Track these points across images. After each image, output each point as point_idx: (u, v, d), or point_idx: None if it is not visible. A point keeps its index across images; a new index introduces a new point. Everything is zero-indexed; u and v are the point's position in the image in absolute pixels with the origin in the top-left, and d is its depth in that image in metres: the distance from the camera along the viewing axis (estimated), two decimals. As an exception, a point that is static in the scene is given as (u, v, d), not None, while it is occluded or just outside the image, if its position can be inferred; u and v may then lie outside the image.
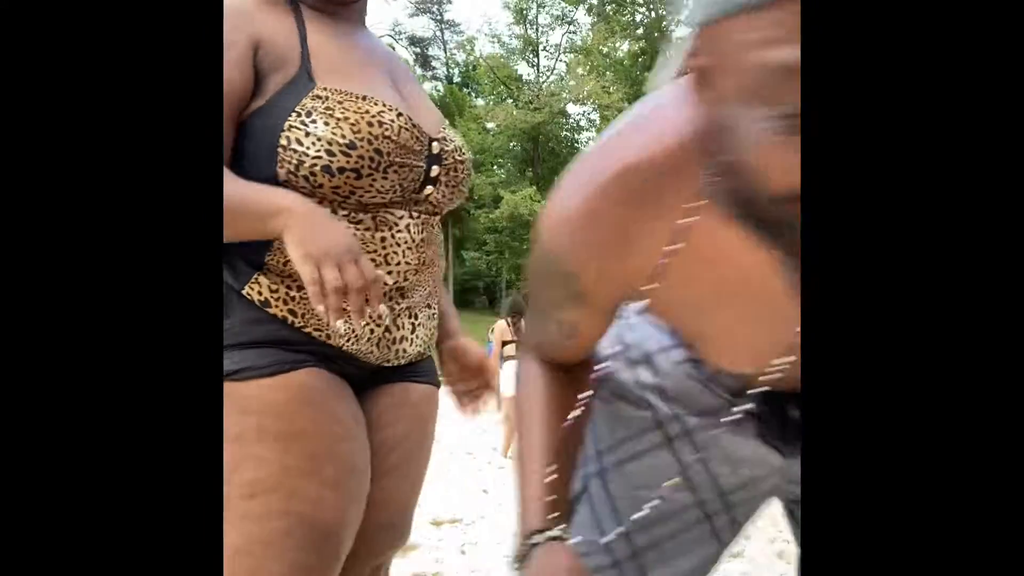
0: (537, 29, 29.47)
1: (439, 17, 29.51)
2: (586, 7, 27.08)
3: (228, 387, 0.81)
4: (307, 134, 0.84)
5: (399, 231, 0.91)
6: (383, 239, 0.90)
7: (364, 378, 0.95)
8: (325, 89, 0.87)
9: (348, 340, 0.89)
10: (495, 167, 29.57)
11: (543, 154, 27.93)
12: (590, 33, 27.73)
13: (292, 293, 0.87)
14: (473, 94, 32.62)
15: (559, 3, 28.36)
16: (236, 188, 0.81)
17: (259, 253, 0.87)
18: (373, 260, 0.88)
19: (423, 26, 31.56)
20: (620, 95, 24.80)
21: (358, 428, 0.90)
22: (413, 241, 0.93)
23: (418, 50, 28.95)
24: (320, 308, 0.78)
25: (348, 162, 0.84)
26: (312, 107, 0.85)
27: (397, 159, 0.88)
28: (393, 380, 0.98)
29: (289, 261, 0.83)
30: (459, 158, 1.00)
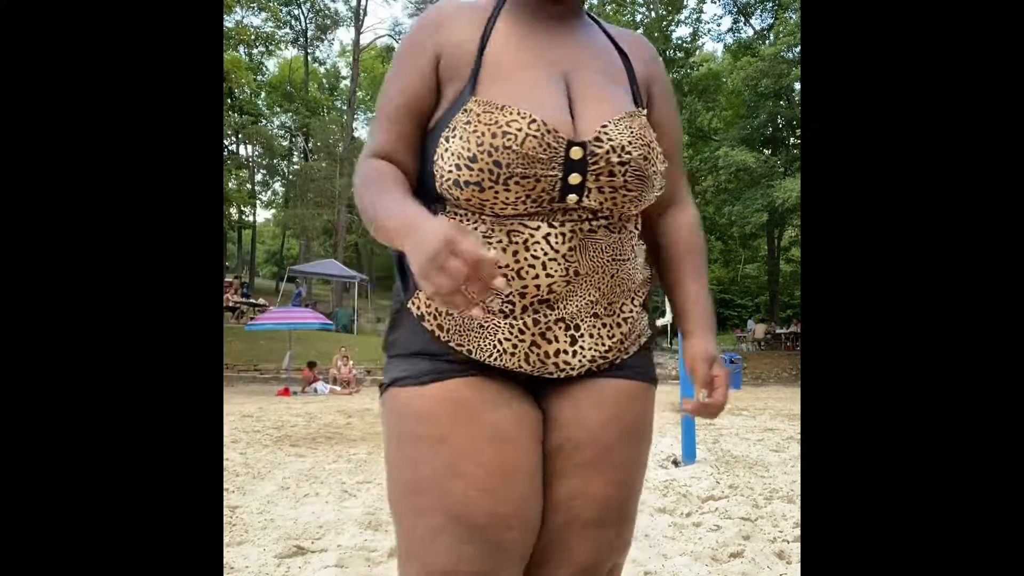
0: (537, 29, 29.27)
1: (439, 17, 29.07)
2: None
3: (393, 393, 0.93)
4: (447, 150, 0.88)
5: (535, 242, 0.89)
6: (515, 253, 0.89)
7: (543, 382, 0.94)
8: (475, 101, 0.89)
9: (491, 356, 0.91)
10: (495, 167, 29.37)
11: (543, 154, 27.71)
12: (590, 33, 27.52)
13: (441, 308, 0.92)
14: (473, 94, 32.23)
15: (559, 3, 28.17)
16: (392, 203, 0.88)
17: None
18: (505, 274, 0.89)
19: (423, 26, 31.11)
20: (620, 95, 24.69)
21: (516, 431, 0.91)
22: (557, 252, 0.89)
23: (418, 50, 28.49)
24: (456, 313, 0.88)
25: (471, 176, 0.86)
26: (458, 121, 0.88)
27: (518, 170, 0.86)
28: (577, 380, 0.96)
29: None
30: (616, 160, 0.90)
